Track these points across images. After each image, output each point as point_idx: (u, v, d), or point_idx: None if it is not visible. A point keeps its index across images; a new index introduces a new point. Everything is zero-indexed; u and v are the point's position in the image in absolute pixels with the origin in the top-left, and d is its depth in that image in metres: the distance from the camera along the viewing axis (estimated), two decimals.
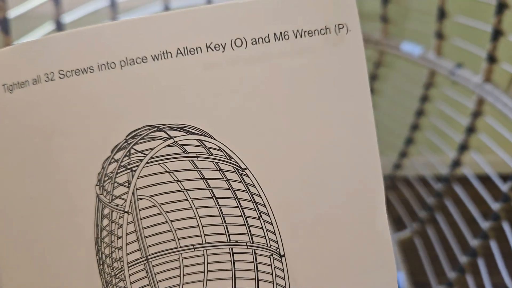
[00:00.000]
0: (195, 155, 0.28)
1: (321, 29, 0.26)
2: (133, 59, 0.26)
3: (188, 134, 0.27)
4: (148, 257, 0.28)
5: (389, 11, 0.95)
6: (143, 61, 0.26)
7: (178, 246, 0.28)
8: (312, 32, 0.26)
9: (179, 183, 0.28)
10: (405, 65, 0.97)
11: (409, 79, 1.00)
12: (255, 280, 0.28)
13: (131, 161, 0.28)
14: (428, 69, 0.89)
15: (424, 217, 0.97)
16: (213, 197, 0.28)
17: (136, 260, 0.28)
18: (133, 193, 0.28)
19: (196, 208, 0.28)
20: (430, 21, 0.87)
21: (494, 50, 0.74)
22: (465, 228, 0.86)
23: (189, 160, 0.28)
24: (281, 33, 0.26)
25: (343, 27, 0.26)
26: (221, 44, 0.26)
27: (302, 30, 0.26)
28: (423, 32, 0.91)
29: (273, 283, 0.28)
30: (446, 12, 0.83)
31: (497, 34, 0.72)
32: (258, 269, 0.28)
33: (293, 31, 0.26)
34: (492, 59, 0.74)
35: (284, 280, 0.28)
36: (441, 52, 0.86)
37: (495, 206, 0.75)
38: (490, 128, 0.81)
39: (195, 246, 0.28)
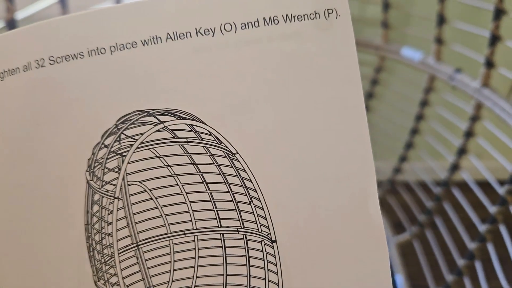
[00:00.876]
0: (185, 139, 0.28)
1: (310, 14, 0.26)
2: (123, 44, 0.26)
3: (178, 119, 0.27)
4: (139, 243, 0.28)
5: (389, 17, 0.95)
6: (133, 46, 0.26)
7: (169, 232, 0.28)
8: (301, 17, 0.26)
9: (169, 168, 0.28)
10: (405, 70, 0.97)
11: (409, 84, 1.00)
12: (247, 266, 0.28)
13: (121, 146, 0.28)
14: (428, 74, 0.89)
15: (423, 220, 0.97)
16: (204, 182, 0.28)
17: (127, 246, 0.28)
18: (123, 178, 0.28)
19: (186, 194, 0.28)
20: (429, 27, 0.88)
21: (492, 55, 0.74)
22: (463, 232, 0.87)
23: (179, 145, 0.28)
24: (270, 17, 0.26)
25: (332, 11, 0.26)
26: (210, 28, 0.26)
27: (291, 14, 0.26)
28: (423, 37, 0.91)
29: (264, 269, 0.28)
30: (446, 18, 0.83)
31: (494, 39, 0.73)
32: (250, 254, 0.28)
33: (282, 15, 0.26)
34: (490, 64, 0.74)
35: (276, 265, 0.28)
36: (440, 57, 0.86)
37: (492, 209, 0.75)
38: (489, 133, 0.82)
39: (185, 232, 0.28)
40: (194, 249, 0.28)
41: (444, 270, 0.89)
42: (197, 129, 0.27)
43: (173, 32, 0.26)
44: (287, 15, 0.26)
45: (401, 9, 0.96)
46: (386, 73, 1.04)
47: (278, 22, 0.26)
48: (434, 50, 0.86)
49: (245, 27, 0.26)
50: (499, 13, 0.71)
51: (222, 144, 0.27)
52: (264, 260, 0.28)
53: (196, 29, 0.26)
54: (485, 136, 0.83)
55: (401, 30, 1.00)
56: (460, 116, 0.89)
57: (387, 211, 1.06)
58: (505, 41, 0.72)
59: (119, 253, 0.28)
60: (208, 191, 0.28)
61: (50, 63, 0.27)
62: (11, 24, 0.63)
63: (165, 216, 0.28)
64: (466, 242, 0.83)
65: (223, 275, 0.28)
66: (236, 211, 0.28)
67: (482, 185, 0.84)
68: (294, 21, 0.26)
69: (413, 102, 0.98)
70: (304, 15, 0.26)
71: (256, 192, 0.27)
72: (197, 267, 0.28)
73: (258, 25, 0.26)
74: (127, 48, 0.26)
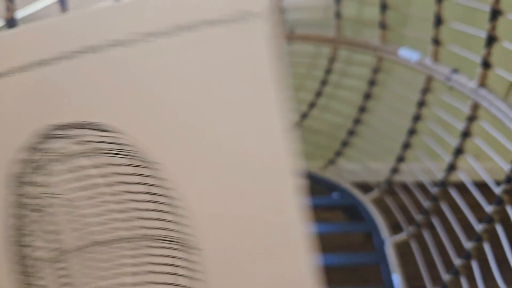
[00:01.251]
0: (107, 151, 0.28)
1: (226, 17, 0.26)
2: (33, 62, 0.26)
3: (97, 131, 0.27)
4: (60, 255, 0.28)
5: (387, 18, 0.96)
6: (43, 64, 0.26)
7: (92, 242, 0.28)
8: (217, 21, 0.26)
9: (91, 179, 0.28)
10: (402, 71, 0.98)
11: (407, 84, 1.01)
12: (169, 273, 0.28)
13: (39, 160, 0.28)
14: (425, 74, 0.90)
15: (420, 220, 0.97)
16: (126, 192, 0.28)
17: (49, 258, 0.28)
18: (43, 192, 0.28)
19: (109, 204, 0.28)
20: (427, 28, 0.89)
21: (488, 55, 0.75)
22: (460, 232, 0.87)
23: (102, 155, 0.28)
24: (185, 24, 0.26)
25: (248, 14, 0.26)
26: (123, 40, 0.26)
27: (206, 19, 0.26)
28: (420, 38, 0.92)
29: (185, 276, 0.28)
30: (443, 18, 0.84)
31: (491, 40, 0.73)
32: (172, 263, 0.28)
33: (197, 21, 0.26)
34: (486, 64, 0.75)
35: (199, 272, 0.28)
36: (437, 58, 0.86)
37: (488, 209, 0.76)
38: (486, 133, 0.83)
39: (109, 242, 0.28)
40: (120, 257, 0.29)
41: (441, 269, 0.90)
42: (118, 140, 0.28)
43: (84, 47, 0.26)
44: (202, 20, 0.26)
45: (398, 10, 0.98)
46: (384, 73, 1.05)
47: (192, 28, 0.26)
48: (431, 51, 0.87)
49: (159, 36, 0.26)
50: (495, 13, 0.72)
51: (139, 155, 0.27)
52: (185, 268, 0.29)
53: (107, 41, 0.26)
54: (482, 136, 0.83)
55: (398, 31, 1.01)
56: (457, 116, 0.89)
57: (384, 212, 1.07)
58: (501, 41, 0.73)
59: (40, 265, 0.29)
60: (131, 201, 0.28)
61: None
62: (11, 23, 0.64)
63: (88, 226, 0.28)
64: (463, 241, 0.83)
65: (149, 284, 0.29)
66: (159, 220, 0.28)
67: (479, 185, 0.84)
68: (210, 26, 0.26)
69: (410, 102, 0.98)
70: (219, 20, 0.26)
71: (178, 200, 0.28)
72: (121, 275, 0.29)
73: (172, 33, 0.26)
74: (38, 66, 0.27)
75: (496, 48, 0.76)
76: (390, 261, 0.93)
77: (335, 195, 1.11)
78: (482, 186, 0.80)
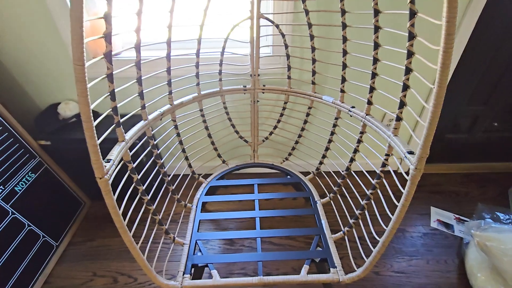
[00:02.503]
0: None
1: None
2: None
3: None
4: None
5: (315, 80, 0.98)
6: None
7: None
8: None
9: None
10: (325, 107, 0.98)
11: (327, 115, 1.02)
12: None
13: None
14: (336, 109, 0.93)
15: (336, 190, 0.99)
16: None
17: None
18: None
19: None
20: (337, 83, 0.90)
21: (371, 98, 0.78)
22: (358, 196, 0.90)
23: None
24: None
25: None
26: None
27: None
28: (334, 90, 0.94)
29: None
30: (346, 78, 0.88)
31: (372, 89, 0.78)
32: None
33: None
34: (369, 102, 0.79)
35: None
36: (343, 100, 0.90)
37: (374, 182, 0.79)
38: (370, 140, 0.85)
39: None
40: None
41: (348, 217, 0.92)
42: None
43: None
44: None
45: (321, 74, 0.97)
46: (314, 109, 1.06)
47: None
48: (340, 96, 0.90)
49: None
50: (374, 75, 0.76)
51: None
52: None
53: None
54: (368, 142, 0.85)
55: (321, 86, 1.02)
56: (354, 132, 0.91)
57: (316, 186, 1.05)
58: (379, 89, 0.76)
59: None
60: None
61: None
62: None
63: None
64: (360, 201, 0.86)
65: None
66: None
67: (368, 171, 0.86)
68: None
69: (329, 124, 0.99)
70: None
71: None
72: None
73: None
74: None
75: (376, 92, 0.78)
76: (320, 213, 0.94)
77: (288, 177, 1.10)
78: (370, 172, 0.82)
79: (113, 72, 0.60)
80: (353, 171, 0.94)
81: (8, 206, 0.99)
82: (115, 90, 0.62)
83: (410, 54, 0.59)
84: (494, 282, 0.94)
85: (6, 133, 1.02)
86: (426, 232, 1.22)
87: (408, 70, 0.61)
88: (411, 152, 0.60)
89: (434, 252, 1.14)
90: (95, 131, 0.52)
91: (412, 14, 0.56)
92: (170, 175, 0.99)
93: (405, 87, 0.63)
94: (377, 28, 0.70)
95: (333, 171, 1.07)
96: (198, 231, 0.89)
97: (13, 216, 1.00)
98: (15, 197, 1.02)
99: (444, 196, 1.39)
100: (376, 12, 0.68)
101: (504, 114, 1.33)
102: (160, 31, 0.80)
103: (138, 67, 0.73)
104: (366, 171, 0.87)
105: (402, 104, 0.65)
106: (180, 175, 1.07)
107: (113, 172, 0.59)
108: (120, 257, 1.15)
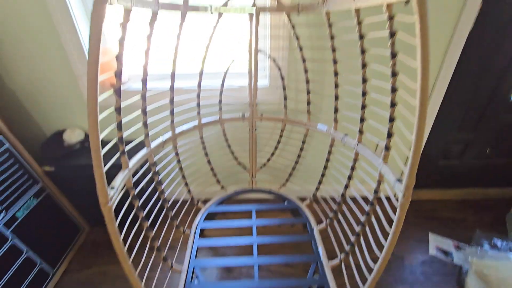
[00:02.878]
0: None
1: None
2: None
3: None
4: None
5: (310, 109, 1.03)
6: None
7: None
8: None
9: None
10: (319, 135, 1.03)
11: (322, 143, 1.06)
12: None
13: None
14: (331, 137, 0.97)
15: (332, 216, 1.00)
16: None
17: None
18: None
19: None
20: (331, 113, 0.95)
21: (362, 126, 0.82)
22: (353, 222, 0.91)
23: None
24: None
25: None
26: None
27: None
28: (328, 119, 0.99)
29: None
30: (338, 109, 0.93)
31: (362, 120, 0.82)
32: None
33: None
34: (361, 132, 0.84)
35: None
36: (336, 128, 0.94)
37: (367, 208, 0.81)
38: (362, 168, 0.88)
39: None
40: None
41: (344, 243, 0.92)
42: None
43: None
44: None
45: (315, 104, 1.03)
46: (310, 137, 1.10)
47: None
48: (334, 125, 0.95)
49: None
50: (363, 107, 0.81)
51: None
52: None
53: None
54: (362, 168, 0.88)
55: (316, 115, 1.07)
56: (348, 158, 0.95)
57: (312, 212, 1.07)
58: (368, 120, 0.81)
59: None
60: None
61: None
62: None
63: None
64: (355, 227, 0.87)
65: None
66: None
67: (363, 198, 0.89)
68: None
69: (324, 152, 1.03)
70: None
71: None
72: None
73: None
74: None
75: (366, 123, 0.82)
76: (317, 240, 0.95)
77: (286, 203, 1.12)
78: (365, 199, 0.84)
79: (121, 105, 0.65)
80: (350, 197, 0.96)
81: (8, 231, 1.00)
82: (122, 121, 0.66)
83: (394, 90, 0.65)
84: None
85: (13, 159, 1.06)
86: (425, 259, 1.22)
87: (392, 104, 0.66)
88: (400, 180, 0.64)
89: (434, 281, 1.13)
90: (102, 161, 0.55)
91: (393, 54, 0.62)
92: (170, 200, 1.01)
93: (391, 119, 0.68)
94: (364, 65, 0.76)
95: (329, 197, 1.08)
96: (196, 258, 0.89)
97: (12, 242, 1.00)
98: (16, 223, 1.03)
99: (441, 222, 1.40)
100: (363, 51, 0.75)
101: (493, 141, 1.38)
102: (165, 65, 0.86)
103: (143, 99, 0.79)
104: (361, 197, 0.89)
105: (389, 134, 0.70)
106: (179, 200, 1.09)
107: (116, 199, 0.62)
108: (114, 286, 1.14)
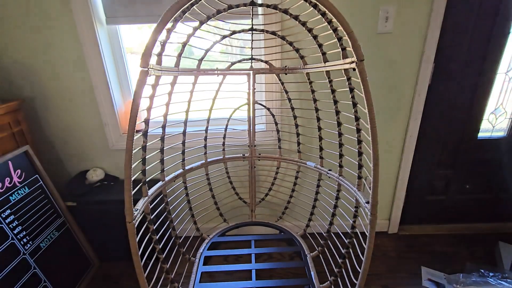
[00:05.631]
0: None
1: None
2: None
3: None
4: None
5: (301, 149, 1.21)
6: None
7: None
8: None
9: None
10: (309, 171, 1.16)
11: (310, 177, 1.20)
12: None
13: None
14: (318, 172, 1.12)
15: (323, 245, 1.11)
16: None
17: None
18: None
19: None
20: (316, 148, 1.12)
21: (341, 161, 1.00)
22: (335, 252, 1.01)
23: None
24: None
25: None
26: None
27: None
28: (314, 157, 1.15)
29: None
30: (323, 148, 1.11)
31: (341, 156, 0.99)
32: None
33: None
34: (340, 166, 1.00)
35: None
36: (322, 165, 1.11)
37: (346, 241, 0.92)
38: (345, 197, 1.01)
39: None
40: None
41: (334, 268, 1.01)
42: None
43: None
44: None
45: (305, 145, 1.21)
46: (302, 173, 1.25)
47: None
48: (319, 162, 1.11)
49: None
50: (341, 144, 0.98)
51: None
52: None
53: None
54: (343, 198, 1.01)
55: (305, 153, 1.24)
56: (333, 191, 1.09)
57: (306, 241, 1.16)
58: (345, 156, 0.98)
59: None
60: None
61: None
62: None
63: None
64: (337, 257, 0.98)
65: None
66: None
67: (344, 233, 1.00)
68: None
69: (313, 185, 1.17)
70: None
71: None
72: None
73: None
74: None
75: (345, 159, 0.99)
76: (310, 265, 1.05)
77: (282, 234, 1.23)
78: (345, 233, 0.96)
79: (147, 144, 0.85)
80: (333, 233, 1.07)
81: (32, 260, 1.12)
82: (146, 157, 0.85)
83: (358, 130, 0.84)
84: None
85: (43, 195, 1.23)
86: None
87: (359, 141, 0.85)
88: (368, 202, 0.79)
89: None
90: (131, 186, 0.72)
91: (354, 104, 0.82)
92: (178, 230, 1.14)
93: (360, 153, 0.86)
94: (337, 112, 0.97)
95: (318, 231, 1.19)
96: (199, 282, 1.00)
97: (34, 271, 1.12)
98: (39, 253, 1.15)
99: (434, 256, 1.47)
100: (335, 102, 0.96)
101: (472, 177, 1.52)
102: (180, 113, 1.08)
103: (162, 141, 0.99)
104: (341, 232, 1.01)
105: (360, 166, 0.87)
106: (186, 230, 1.22)
107: (138, 218, 0.78)
108: None
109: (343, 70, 0.81)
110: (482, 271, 1.21)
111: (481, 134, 1.42)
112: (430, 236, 1.61)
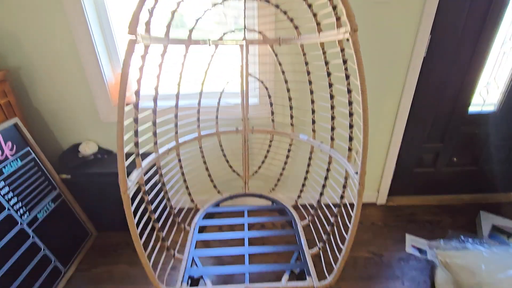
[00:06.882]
0: None
1: None
2: None
3: None
4: None
5: (293, 122, 1.22)
6: None
7: None
8: None
9: None
10: (302, 144, 1.18)
11: (303, 150, 1.22)
12: None
13: None
14: (310, 145, 1.15)
15: (313, 213, 1.16)
16: None
17: None
18: None
19: None
20: (309, 121, 1.13)
21: (333, 134, 1.01)
22: (319, 222, 1.06)
23: None
24: None
25: None
26: None
27: None
28: (307, 130, 1.17)
29: None
30: (315, 121, 1.12)
31: (333, 129, 1.01)
32: None
33: None
34: (332, 139, 1.02)
35: None
36: (315, 137, 1.12)
37: (335, 210, 0.96)
38: (335, 169, 1.04)
39: None
40: None
41: (322, 235, 1.06)
42: None
43: None
44: None
45: (297, 118, 1.21)
46: (294, 145, 1.27)
47: None
48: (312, 135, 1.13)
49: None
50: (333, 117, 0.99)
51: None
52: None
53: None
54: (334, 170, 1.04)
55: (298, 126, 1.25)
56: (324, 163, 1.12)
57: (297, 211, 1.20)
58: (337, 129, 0.99)
59: None
60: None
61: None
62: None
63: None
64: (327, 227, 1.03)
65: None
66: None
67: (334, 204, 1.04)
68: None
69: (305, 158, 1.20)
70: None
71: None
72: None
73: None
74: None
75: (337, 132, 1.01)
76: (300, 233, 1.09)
77: (274, 204, 1.27)
78: (335, 204, 1.00)
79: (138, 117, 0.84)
80: (324, 204, 1.12)
81: (30, 230, 1.15)
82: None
83: (350, 103, 0.85)
84: None
85: (36, 168, 1.23)
86: (402, 256, 1.36)
87: (350, 114, 0.86)
88: (356, 172, 0.81)
89: (409, 275, 1.27)
90: (124, 157, 0.73)
91: (347, 76, 0.82)
92: (173, 200, 1.17)
93: (351, 126, 0.87)
94: (330, 85, 0.97)
95: (308, 204, 1.23)
96: (194, 249, 1.04)
97: (32, 240, 1.15)
98: (36, 223, 1.18)
99: (419, 225, 1.55)
100: (328, 74, 0.96)
101: (459, 150, 1.56)
102: (171, 86, 1.07)
103: (154, 113, 0.98)
104: (332, 204, 1.05)
105: (350, 138, 0.89)
106: (181, 201, 1.25)
107: (132, 189, 0.79)
108: (122, 282, 1.26)
109: (337, 41, 0.79)
110: (462, 237, 1.29)
111: (472, 109, 1.44)
112: (417, 206, 1.68)
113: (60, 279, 1.24)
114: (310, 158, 1.19)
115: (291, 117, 1.22)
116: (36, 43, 1.21)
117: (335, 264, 0.89)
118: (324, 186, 1.12)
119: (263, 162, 1.37)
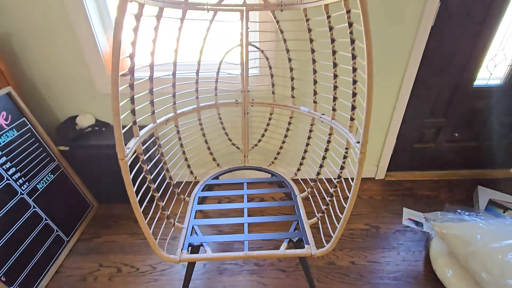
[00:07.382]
0: None
1: None
2: None
3: None
4: None
5: (294, 94, 1.19)
6: None
7: None
8: None
9: None
10: (302, 115, 1.16)
11: (304, 122, 1.20)
12: None
13: None
14: (311, 117, 1.12)
15: (311, 187, 1.16)
16: None
17: None
18: None
19: None
20: (310, 92, 1.10)
21: (335, 106, 0.98)
22: (317, 194, 1.06)
23: None
24: None
25: None
26: None
27: None
28: (308, 102, 1.14)
29: None
30: (317, 92, 1.09)
31: (335, 99, 0.98)
32: None
33: None
34: (334, 109, 0.99)
35: None
36: (316, 109, 1.10)
37: (334, 182, 0.96)
38: (336, 140, 1.03)
39: None
40: None
41: (322, 206, 1.07)
42: None
43: None
44: None
45: (298, 89, 1.18)
46: (295, 118, 1.24)
47: None
48: (313, 107, 1.10)
49: None
50: (335, 87, 0.96)
51: None
52: None
53: None
54: (335, 141, 1.03)
55: (299, 98, 1.22)
56: (324, 134, 1.10)
57: (296, 184, 1.21)
58: (340, 98, 0.96)
59: None
60: None
61: None
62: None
63: None
64: (326, 197, 1.03)
65: None
66: None
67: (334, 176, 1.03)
68: None
69: (305, 130, 1.18)
70: None
71: None
72: None
73: None
74: None
75: (339, 102, 0.98)
76: (299, 204, 1.10)
77: (274, 177, 1.27)
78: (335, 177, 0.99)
79: (134, 83, 0.81)
80: (324, 178, 1.11)
81: (31, 200, 1.15)
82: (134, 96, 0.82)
83: (354, 69, 0.81)
84: (450, 264, 1.09)
85: (33, 139, 1.22)
86: (398, 229, 1.38)
87: (354, 81, 0.83)
88: (358, 142, 0.80)
89: (405, 245, 1.29)
90: (121, 124, 0.71)
91: (352, 40, 0.78)
92: (172, 171, 1.17)
93: (354, 94, 0.84)
94: (334, 52, 0.93)
95: (309, 178, 1.23)
96: (194, 219, 1.05)
97: (34, 210, 1.16)
98: (37, 193, 1.19)
99: (416, 199, 1.56)
100: (332, 40, 0.92)
101: (461, 126, 1.54)
102: (168, 54, 1.02)
103: (150, 81, 0.95)
104: (331, 176, 1.04)
105: (353, 107, 0.86)
106: (180, 173, 1.25)
107: (130, 157, 0.78)
108: (124, 251, 1.29)
109: (343, 2, 0.75)
110: (459, 211, 1.30)
111: (477, 82, 1.40)
112: (415, 181, 1.69)
113: (63, 248, 1.27)
114: (310, 131, 1.17)
115: (292, 88, 1.18)
116: (26, 8, 1.15)
117: (333, 233, 0.90)
118: (324, 158, 1.11)
119: (262, 135, 1.35)
